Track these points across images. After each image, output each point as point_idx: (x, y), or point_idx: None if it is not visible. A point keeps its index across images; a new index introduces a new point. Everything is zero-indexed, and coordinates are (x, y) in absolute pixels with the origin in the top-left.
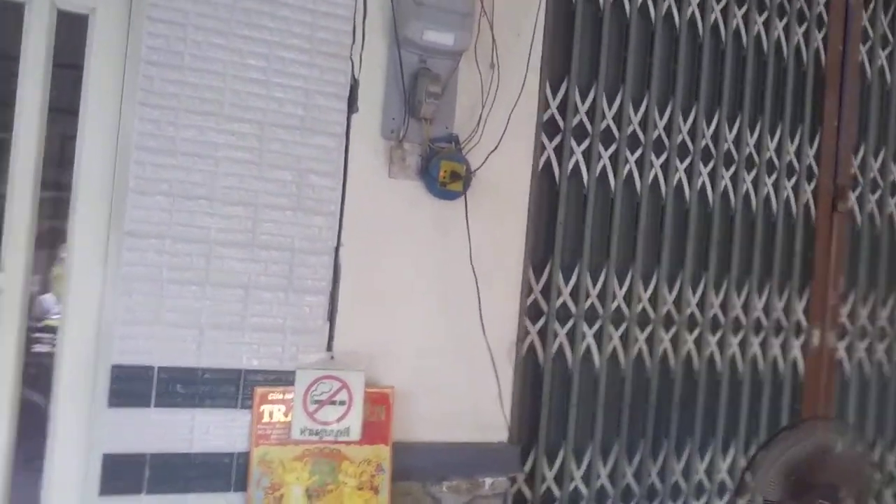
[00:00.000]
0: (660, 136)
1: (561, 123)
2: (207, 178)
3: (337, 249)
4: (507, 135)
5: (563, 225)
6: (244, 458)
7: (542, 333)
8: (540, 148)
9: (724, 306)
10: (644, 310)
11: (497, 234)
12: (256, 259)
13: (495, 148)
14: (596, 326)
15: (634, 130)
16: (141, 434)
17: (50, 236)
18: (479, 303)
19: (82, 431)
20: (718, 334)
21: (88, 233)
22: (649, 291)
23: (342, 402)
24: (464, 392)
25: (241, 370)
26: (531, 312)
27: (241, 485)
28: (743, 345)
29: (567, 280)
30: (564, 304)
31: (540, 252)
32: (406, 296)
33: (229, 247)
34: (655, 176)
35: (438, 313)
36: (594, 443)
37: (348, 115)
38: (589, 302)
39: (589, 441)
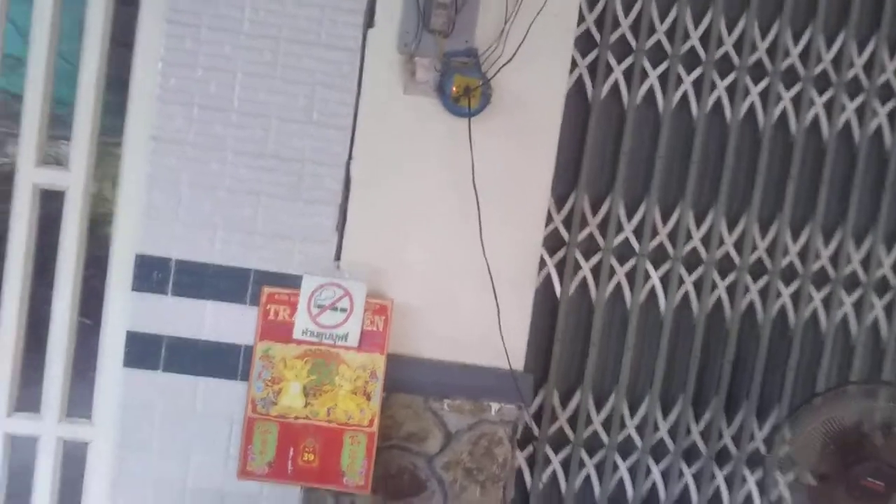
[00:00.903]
0: (727, 53)
1: (597, 37)
2: (225, 91)
3: (348, 162)
4: (535, 49)
5: (596, 151)
6: (250, 351)
7: (561, 266)
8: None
9: (773, 251)
10: (695, 251)
11: (518, 156)
12: (268, 168)
13: (509, 60)
14: (629, 264)
15: (693, 47)
16: (160, 317)
17: None
18: (480, 225)
19: (117, 312)
20: (793, 286)
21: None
22: (702, 231)
23: (343, 310)
24: (474, 315)
25: (250, 270)
26: (550, 243)
27: (246, 375)
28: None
29: (596, 211)
30: (591, 237)
31: (565, 179)
32: (417, 213)
33: (243, 155)
34: (718, 99)
35: (451, 233)
36: (619, 388)
37: (364, 30)
38: (622, 237)
39: (613, 386)
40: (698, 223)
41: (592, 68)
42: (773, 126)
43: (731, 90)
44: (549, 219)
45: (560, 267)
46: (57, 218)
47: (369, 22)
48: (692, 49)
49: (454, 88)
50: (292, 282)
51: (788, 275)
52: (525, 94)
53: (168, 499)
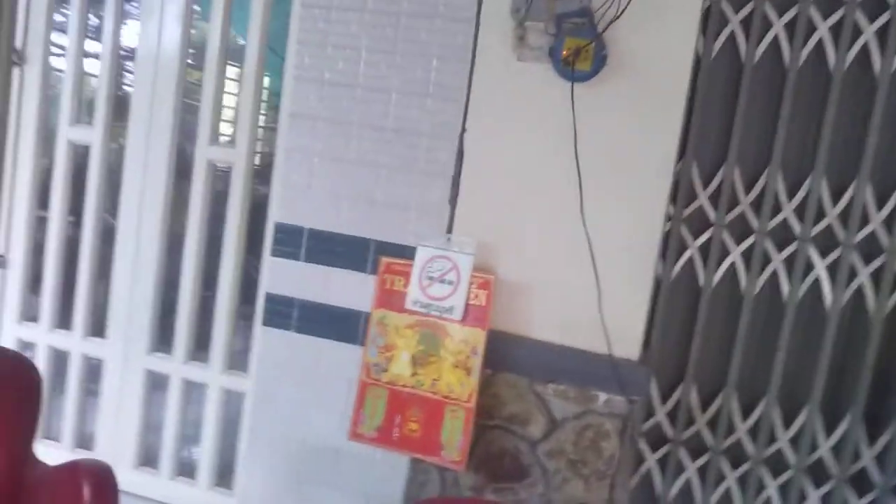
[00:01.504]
0: None
1: None
2: (351, 66)
3: (462, 135)
4: (657, 3)
5: (752, 119)
6: (368, 317)
7: (705, 251)
8: (719, 23)
9: None
10: (873, 237)
11: (638, 123)
12: (388, 141)
13: (618, 16)
14: (788, 250)
15: None
16: (293, 281)
17: None
18: (581, 198)
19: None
20: None
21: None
22: (883, 214)
23: (450, 282)
24: (585, 296)
25: (370, 240)
26: (695, 225)
27: (364, 340)
28: None
29: (749, 188)
30: (742, 217)
31: (714, 150)
32: (528, 186)
33: (366, 128)
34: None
35: (562, 208)
36: (769, 393)
37: None
38: (780, 217)
39: (764, 390)
40: (879, 203)
41: (746, 23)
42: None
43: None
44: (693, 195)
45: (704, 251)
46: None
47: None
48: None
49: (564, 51)
50: (409, 252)
51: None
52: (646, 54)
53: (293, 451)
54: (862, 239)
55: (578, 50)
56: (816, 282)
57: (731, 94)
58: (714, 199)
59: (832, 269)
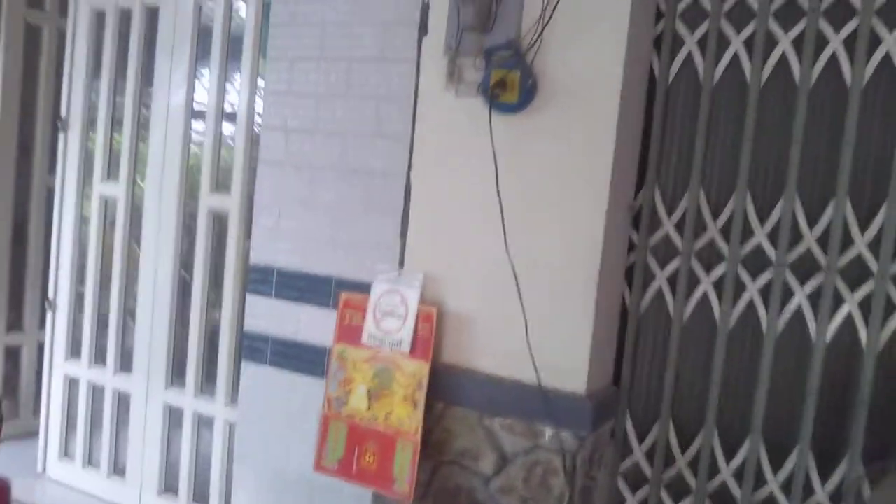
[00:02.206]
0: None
1: (663, 6)
2: (310, 113)
3: (408, 172)
4: (583, 29)
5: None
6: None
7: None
8: (675, 44)
9: None
10: (809, 253)
11: (570, 151)
12: (345, 181)
13: (534, 41)
14: (764, 277)
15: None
16: (267, 318)
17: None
18: (504, 229)
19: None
20: None
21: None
22: (867, 236)
23: (399, 316)
24: (532, 327)
25: (332, 277)
26: (662, 254)
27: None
28: None
29: (717, 213)
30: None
31: (677, 174)
32: (470, 218)
33: (325, 171)
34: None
35: (502, 239)
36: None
37: (419, 40)
38: (752, 242)
39: (747, 427)
40: (862, 225)
41: (703, 43)
42: None
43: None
44: (658, 223)
45: (673, 281)
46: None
47: (423, 30)
48: None
49: (491, 83)
50: (367, 288)
51: None
52: (574, 82)
53: (273, 481)
54: (847, 263)
55: (503, 82)
56: (800, 311)
57: (694, 116)
58: (681, 226)
59: (815, 298)
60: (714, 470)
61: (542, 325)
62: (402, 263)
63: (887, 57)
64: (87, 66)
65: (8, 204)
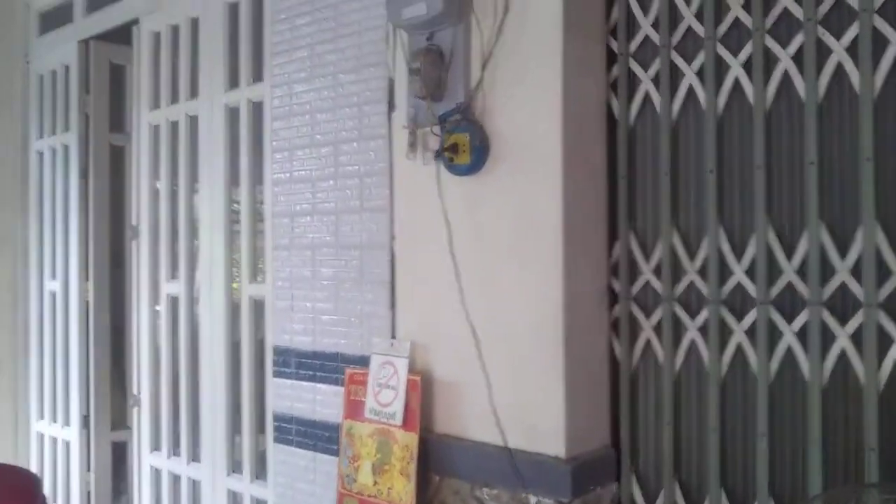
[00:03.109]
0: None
1: (615, 45)
2: (307, 196)
3: (391, 243)
4: (521, 85)
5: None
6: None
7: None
8: (631, 83)
9: None
10: (792, 287)
11: (521, 211)
12: (340, 258)
13: (464, 105)
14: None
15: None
16: (290, 399)
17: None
18: (460, 287)
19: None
20: None
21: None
22: (848, 262)
23: (393, 387)
24: (514, 390)
25: (338, 353)
26: (643, 300)
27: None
28: None
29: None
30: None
31: (646, 217)
32: (447, 283)
33: (322, 249)
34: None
35: (475, 301)
36: (758, 492)
37: (389, 115)
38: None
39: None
40: (841, 251)
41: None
42: None
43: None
44: (637, 270)
45: (659, 330)
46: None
47: (391, 106)
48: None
49: (443, 148)
50: (366, 361)
51: None
52: (519, 139)
53: None
54: (831, 295)
55: (454, 145)
56: (790, 351)
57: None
58: (660, 271)
59: (803, 335)
60: None
61: (515, 387)
62: (394, 334)
63: (840, 69)
64: (150, 177)
65: (106, 313)
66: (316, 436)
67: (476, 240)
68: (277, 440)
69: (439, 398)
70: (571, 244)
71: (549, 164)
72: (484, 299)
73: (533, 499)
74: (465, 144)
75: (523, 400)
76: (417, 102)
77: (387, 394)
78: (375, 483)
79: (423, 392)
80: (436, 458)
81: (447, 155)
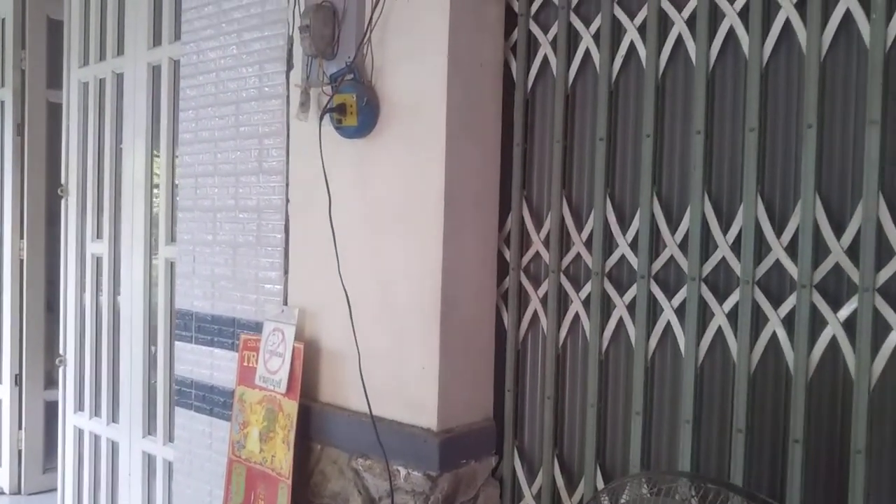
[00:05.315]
0: None
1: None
2: (211, 157)
3: (286, 206)
4: (410, 46)
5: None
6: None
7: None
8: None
9: None
10: (674, 262)
11: (406, 175)
12: (238, 221)
13: (351, 60)
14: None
15: None
16: (190, 364)
17: None
18: (337, 256)
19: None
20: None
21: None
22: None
23: (280, 355)
24: (393, 360)
25: (234, 318)
26: (534, 271)
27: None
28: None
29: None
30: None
31: (541, 186)
32: (328, 249)
33: (223, 212)
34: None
35: (361, 268)
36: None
37: (287, 74)
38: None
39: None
40: (725, 226)
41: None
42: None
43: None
44: (528, 241)
45: (545, 302)
46: None
47: (290, 65)
48: None
49: (330, 108)
50: (259, 327)
51: None
52: (406, 102)
53: None
54: (712, 270)
55: (342, 106)
56: (669, 327)
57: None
58: (549, 242)
59: (682, 312)
60: None
61: (393, 358)
62: (286, 300)
63: (731, 33)
64: (78, 135)
65: (41, 272)
66: (213, 401)
67: (362, 206)
68: (179, 404)
69: (325, 367)
70: (455, 214)
71: (434, 129)
72: (365, 268)
73: (402, 471)
74: (352, 105)
75: (401, 371)
76: (311, 61)
77: (275, 361)
78: (261, 451)
79: (309, 360)
80: (317, 428)
81: (335, 116)
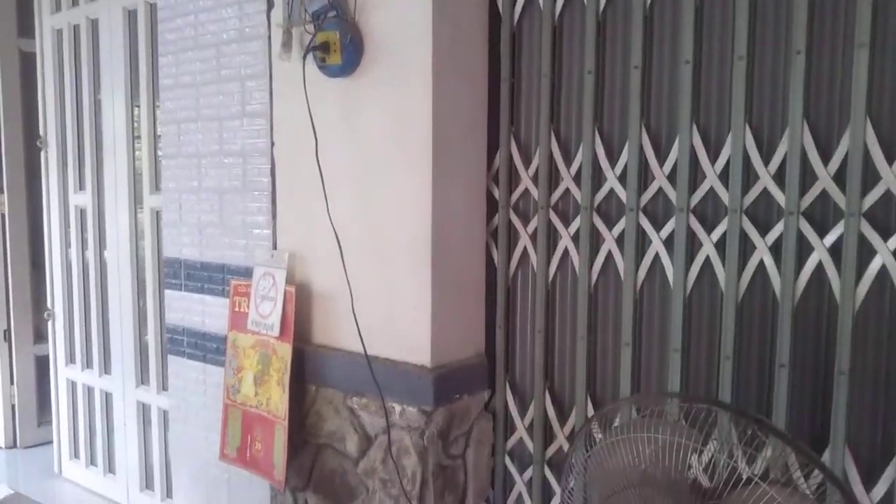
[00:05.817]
0: None
1: None
2: (193, 102)
3: (272, 149)
4: None
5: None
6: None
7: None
8: None
9: None
10: (663, 194)
11: (393, 114)
12: (224, 166)
13: None
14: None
15: None
16: (181, 312)
17: None
18: (326, 197)
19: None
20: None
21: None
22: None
23: (272, 299)
24: (385, 300)
25: (223, 265)
26: (523, 207)
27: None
28: None
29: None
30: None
31: (530, 123)
32: (324, 190)
33: (207, 157)
34: None
35: (351, 210)
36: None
37: (268, 14)
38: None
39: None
40: (712, 152)
41: None
42: None
43: None
44: (517, 178)
45: (535, 238)
46: None
47: (270, 3)
48: None
49: (313, 46)
50: (250, 272)
51: None
52: (391, 39)
53: (201, 471)
54: (700, 200)
55: (325, 44)
56: (658, 258)
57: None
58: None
59: (670, 243)
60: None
61: (385, 298)
62: (275, 245)
63: None
64: (55, 85)
65: (24, 226)
66: (205, 347)
67: (350, 147)
68: (171, 352)
69: (317, 309)
70: (443, 152)
71: (420, 65)
72: (354, 208)
73: (398, 407)
74: (335, 43)
75: (393, 310)
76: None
77: (266, 305)
78: (256, 394)
79: (300, 303)
80: (311, 369)
81: (318, 55)
